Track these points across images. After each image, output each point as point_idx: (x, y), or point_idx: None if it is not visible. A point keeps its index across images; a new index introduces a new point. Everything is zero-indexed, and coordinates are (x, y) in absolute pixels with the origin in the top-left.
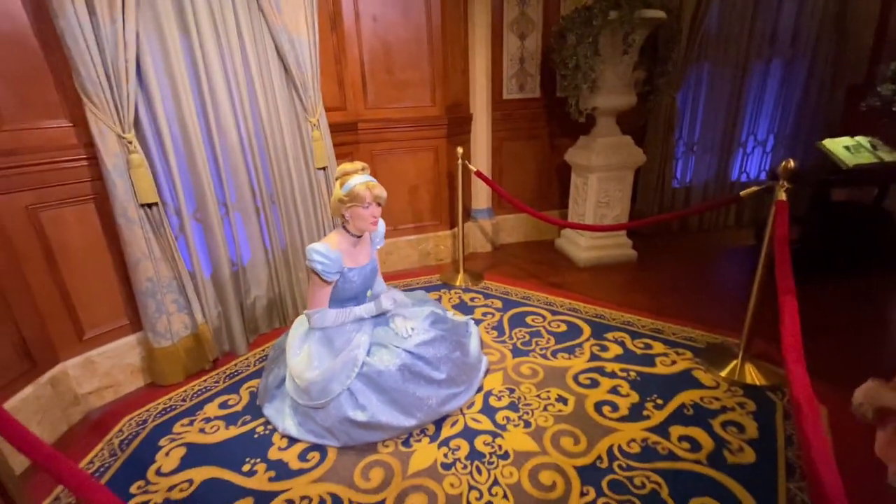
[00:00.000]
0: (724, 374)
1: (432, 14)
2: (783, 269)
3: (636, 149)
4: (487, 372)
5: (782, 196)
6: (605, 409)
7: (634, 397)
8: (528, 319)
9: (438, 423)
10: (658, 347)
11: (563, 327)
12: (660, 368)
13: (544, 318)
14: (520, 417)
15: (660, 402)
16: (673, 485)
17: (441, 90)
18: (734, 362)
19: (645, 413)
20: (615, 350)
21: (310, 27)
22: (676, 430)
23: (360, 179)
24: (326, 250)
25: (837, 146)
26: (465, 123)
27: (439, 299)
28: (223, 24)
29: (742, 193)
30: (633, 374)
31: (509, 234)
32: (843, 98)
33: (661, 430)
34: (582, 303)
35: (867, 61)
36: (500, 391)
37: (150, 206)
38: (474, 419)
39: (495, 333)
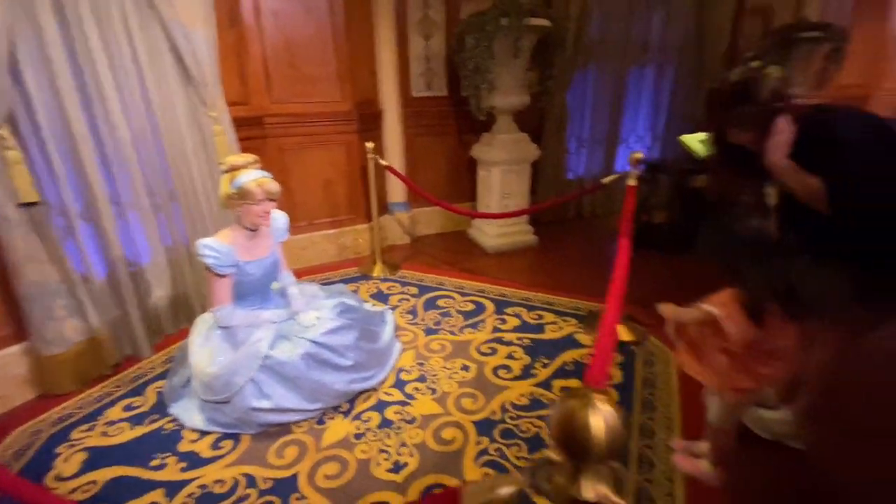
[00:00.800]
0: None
1: (335, 12)
2: (623, 236)
3: (532, 145)
4: (402, 353)
5: (632, 182)
6: (501, 371)
7: (526, 360)
8: (440, 302)
9: (352, 401)
10: (549, 317)
11: (471, 306)
12: (549, 334)
13: (455, 300)
14: (427, 387)
15: (546, 361)
16: None
17: (349, 86)
18: None
19: (533, 372)
20: (513, 322)
21: (206, 21)
22: (558, 383)
23: (251, 176)
24: (216, 244)
25: (693, 140)
26: (377, 119)
27: (357, 290)
28: (107, 15)
29: (604, 180)
30: (526, 340)
31: (426, 226)
32: (704, 99)
33: (546, 384)
34: (488, 284)
35: (723, 67)
36: (411, 367)
37: (31, 205)
38: (386, 393)
39: (410, 317)
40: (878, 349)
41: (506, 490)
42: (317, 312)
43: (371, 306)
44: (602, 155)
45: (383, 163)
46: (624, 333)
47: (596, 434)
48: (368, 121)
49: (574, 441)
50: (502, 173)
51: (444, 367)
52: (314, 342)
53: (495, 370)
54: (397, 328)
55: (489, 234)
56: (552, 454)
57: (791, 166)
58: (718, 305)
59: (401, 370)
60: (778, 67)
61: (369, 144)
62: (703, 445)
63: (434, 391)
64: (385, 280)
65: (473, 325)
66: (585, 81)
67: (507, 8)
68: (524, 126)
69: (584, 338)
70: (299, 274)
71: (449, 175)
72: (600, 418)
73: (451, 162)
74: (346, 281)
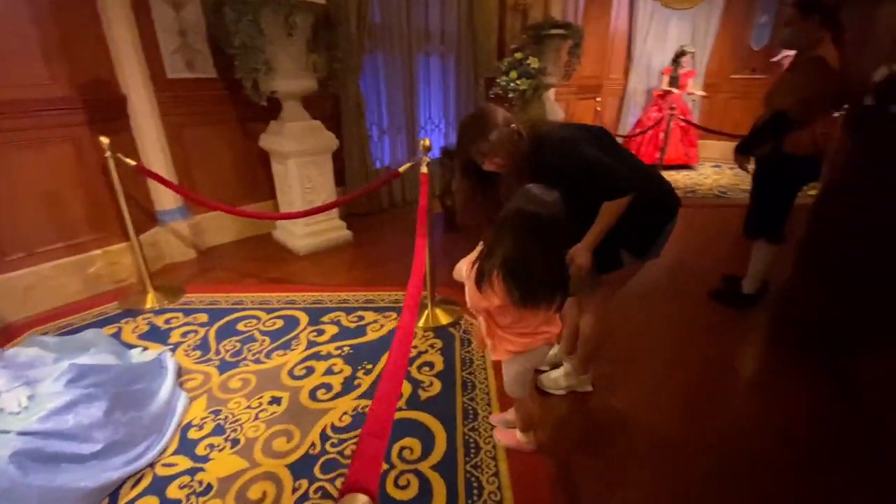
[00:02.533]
0: (421, 323)
1: None
2: (420, 227)
3: (327, 133)
4: (188, 405)
5: (424, 169)
6: (320, 392)
7: (347, 371)
8: (240, 326)
9: (115, 494)
10: (369, 317)
11: (280, 323)
12: (370, 336)
13: (259, 319)
14: (226, 439)
15: (369, 366)
16: None
17: (65, 63)
18: (426, 311)
19: (356, 383)
20: (331, 331)
21: None
22: None
23: None
24: None
25: None
26: (117, 107)
27: (118, 332)
28: None
29: (400, 169)
30: (346, 349)
31: (218, 234)
32: (483, 87)
33: (370, 393)
34: (299, 293)
35: (495, 58)
36: (202, 419)
37: None
38: (166, 465)
39: (198, 354)
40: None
41: None
42: (27, 390)
43: (140, 354)
44: (405, 142)
45: (129, 162)
46: (441, 317)
47: None
48: (104, 109)
49: None
50: (299, 165)
51: (248, 408)
52: (27, 434)
53: (312, 393)
54: (181, 372)
55: (298, 235)
56: None
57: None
58: (468, 266)
59: (188, 427)
60: (536, 59)
61: (104, 139)
62: (512, 413)
63: (235, 442)
64: (161, 311)
65: (284, 346)
66: (376, 68)
67: None
68: (317, 113)
69: None
70: (29, 325)
71: (238, 171)
72: None
73: (239, 155)
74: (102, 323)
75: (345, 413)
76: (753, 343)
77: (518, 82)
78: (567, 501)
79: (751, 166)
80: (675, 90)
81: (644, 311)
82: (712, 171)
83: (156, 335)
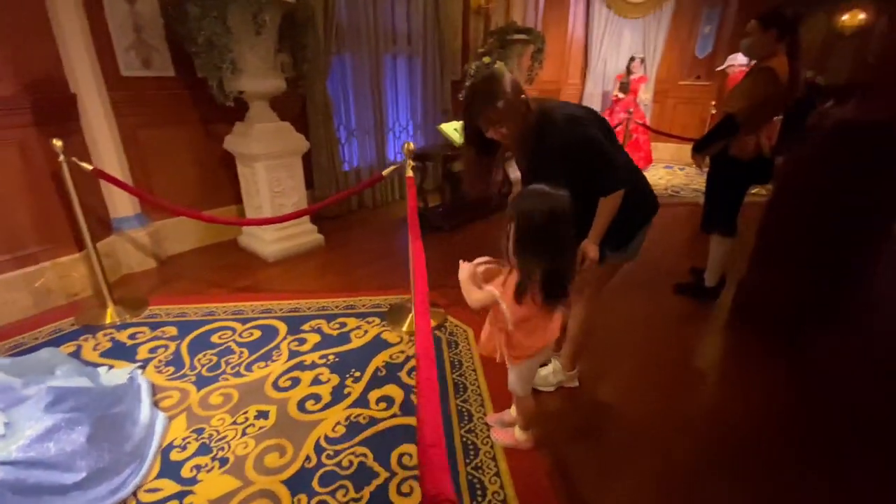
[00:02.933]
0: (405, 328)
1: None
2: (413, 231)
3: (297, 135)
4: (167, 426)
5: (409, 172)
6: (309, 403)
7: (335, 380)
8: (215, 338)
9: None
10: (351, 323)
11: (257, 334)
12: (355, 342)
13: (234, 330)
14: (213, 458)
15: (357, 374)
16: (377, 449)
17: (9, 61)
18: (410, 315)
19: (346, 391)
20: (313, 339)
21: None
22: (374, 395)
23: None
24: None
25: (450, 129)
26: (67, 107)
27: (77, 351)
28: None
29: (384, 172)
30: (331, 357)
31: (179, 242)
32: (450, 90)
33: (362, 401)
34: (275, 301)
35: (460, 61)
36: (184, 439)
37: None
38: (150, 490)
39: (172, 370)
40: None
41: None
42: (2, 416)
43: (107, 373)
44: (374, 144)
45: (86, 166)
46: None
47: None
48: (52, 109)
49: None
50: (268, 168)
51: (234, 424)
52: (7, 464)
53: (301, 405)
54: (155, 391)
55: (267, 240)
56: None
57: None
58: (498, 287)
59: (169, 449)
60: (502, 63)
61: (57, 142)
62: (512, 411)
63: (224, 461)
64: (124, 326)
65: (265, 357)
66: (344, 69)
67: None
68: (284, 115)
69: (391, 335)
70: None
71: (200, 175)
72: None
73: (201, 159)
74: (58, 341)
75: (338, 423)
76: (717, 332)
77: None
78: (569, 495)
79: (706, 167)
80: (621, 95)
81: (615, 307)
82: (665, 172)
83: (121, 352)
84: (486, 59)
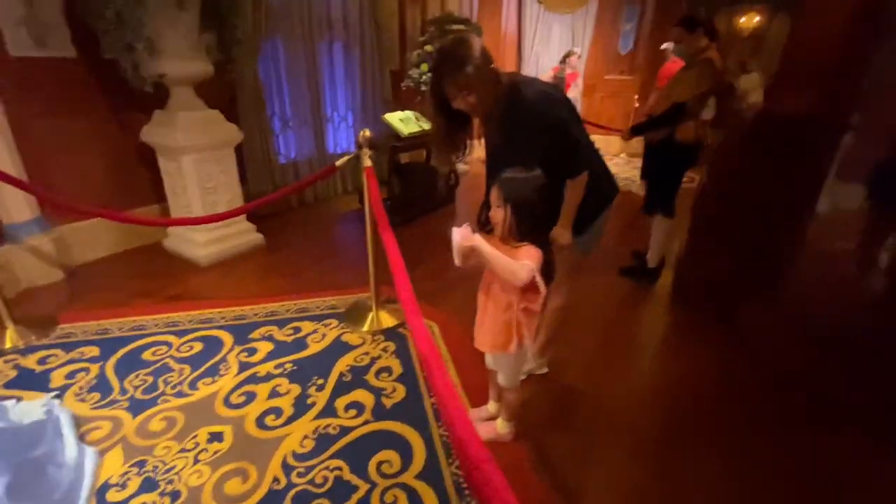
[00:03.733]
0: (366, 328)
1: None
2: (382, 223)
3: (229, 125)
4: (99, 463)
5: (368, 163)
6: (269, 419)
7: (296, 390)
8: (147, 355)
9: None
10: (306, 327)
11: (198, 347)
12: (313, 348)
13: (170, 345)
14: (162, 494)
15: (320, 382)
16: (351, 460)
17: None
18: (371, 314)
19: (310, 401)
20: (265, 348)
21: None
22: (342, 402)
23: None
24: None
25: (395, 119)
26: None
27: None
28: None
29: (337, 163)
30: (288, 366)
31: (91, 248)
32: (390, 80)
33: (329, 410)
34: (215, 309)
35: (399, 50)
36: (123, 475)
37: None
38: None
39: (97, 397)
40: None
41: None
42: None
43: (15, 406)
44: (311, 135)
45: None
46: (386, 319)
47: None
48: None
49: None
50: (197, 162)
51: (182, 452)
52: None
53: (260, 421)
54: (79, 423)
55: (198, 242)
56: None
57: None
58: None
59: (105, 488)
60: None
61: None
62: (491, 407)
63: (176, 495)
64: (31, 350)
65: (210, 373)
66: (276, 55)
67: None
68: (212, 102)
69: (352, 336)
70: None
71: (113, 171)
72: None
73: (113, 153)
74: None
75: (305, 437)
76: (663, 310)
77: (430, 75)
78: (553, 481)
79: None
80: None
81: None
82: None
83: (30, 381)
84: (429, 48)
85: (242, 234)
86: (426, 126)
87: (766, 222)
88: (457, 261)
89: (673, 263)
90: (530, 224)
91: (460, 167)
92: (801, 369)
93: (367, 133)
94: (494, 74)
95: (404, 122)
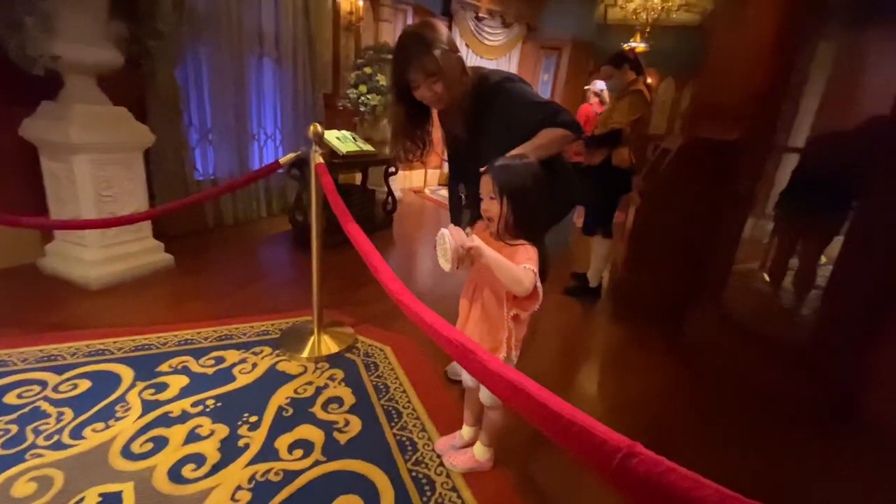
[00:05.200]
0: (306, 354)
1: None
2: (343, 216)
3: (139, 125)
4: None
5: (319, 159)
6: (188, 469)
7: (222, 431)
8: (10, 398)
9: None
10: (232, 356)
11: (86, 384)
12: (242, 380)
13: (44, 384)
14: None
15: (254, 419)
16: None
17: None
18: (312, 339)
19: (242, 443)
20: (178, 383)
21: None
22: (284, 441)
23: None
24: None
25: (332, 137)
26: None
27: None
28: None
29: (281, 160)
30: (210, 402)
31: None
32: (322, 102)
33: (268, 451)
34: (109, 339)
35: (331, 74)
36: None
37: None
38: None
39: None
40: None
41: None
42: None
43: None
44: (234, 152)
45: None
46: (332, 344)
47: None
48: None
49: None
50: (94, 165)
51: None
52: None
53: (175, 473)
54: None
55: (88, 261)
56: None
57: None
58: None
59: None
60: (384, 77)
61: None
62: (465, 432)
63: None
64: None
65: (103, 416)
66: (199, 63)
67: None
68: (117, 99)
69: (290, 365)
70: None
71: None
72: None
73: None
74: None
75: (239, 488)
76: (610, 325)
77: (369, 97)
78: None
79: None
80: None
81: None
82: None
83: None
84: (368, 70)
85: (147, 253)
86: (365, 147)
87: (697, 240)
88: (447, 266)
89: (614, 280)
90: (529, 218)
91: (397, 193)
92: (744, 369)
93: (318, 127)
94: (461, 63)
95: (341, 140)
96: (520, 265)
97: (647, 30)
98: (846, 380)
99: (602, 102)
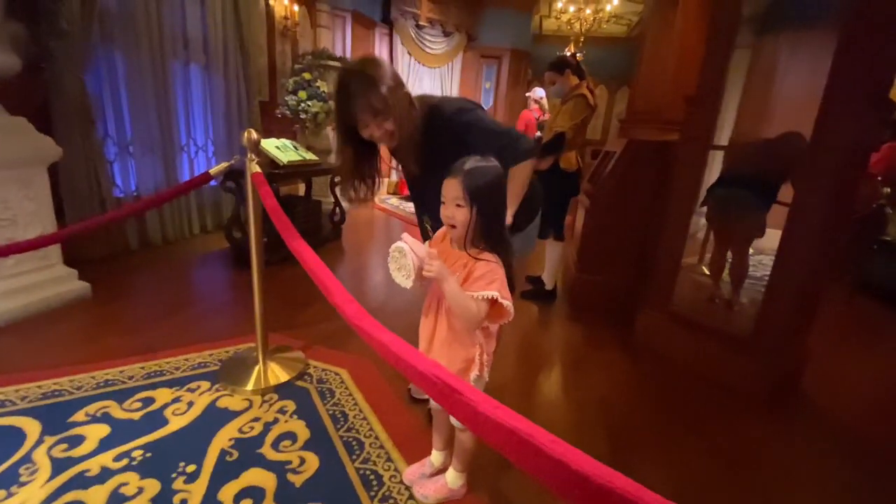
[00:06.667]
0: (250, 387)
1: None
2: (287, 231)
3: (41, 137)
4: None
5: (256, 168)
6: None
7: (153, 487)
8: None
9: None
10: (163, 396)
11: None
12: (175, 423)
13: None
14: None
15: (191, 469)
16: None
17: None
18: (257, 368)
19: (178, 499)
20: (97, 434)
21: None
22: (229, 491)
23: None
24: None
25: (271, 146)
26: None
27: None
28: None
29: (212, 171)
30: (137, 453)
31: None
32: (258, 110)
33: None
34: (12, 385)
35: (266, 82)
36: None
37: None
38: None
39: None
40: None
41: None
42: None
43: None
44: (160, 166)
45: None
46: (280, 373)
47: None
48: None
49: None
50: None
51: None
52: None
53: None
54: None
55: None
56: None
57: None
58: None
59: None
60: (325, 83)
61: None
62: (435, 458)
63: None
64: None
65: (4, 482)
66: (113, 65)
67: None
68: (14, 108)
69: (232, 401)
70: None
71: None
72: None
73: None
74: None
75: None
76: (569, 324)
77: (310, 104)
78: None
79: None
80: None
81: None
82: None
83: None
84: (307, 76)
85: (57, 283)
86: (307, 156)
87: (643, 235)
88: (406, 283)
89: (568, 282)
90: (498, 225)
91: (344, 204)
92: (692, 361)
93: (253, 133)
94: (408, 98)
95: (282, 149)
96: (478, 291)
97: (581, 40)
98: (785, 364)
99: (542, 109)
